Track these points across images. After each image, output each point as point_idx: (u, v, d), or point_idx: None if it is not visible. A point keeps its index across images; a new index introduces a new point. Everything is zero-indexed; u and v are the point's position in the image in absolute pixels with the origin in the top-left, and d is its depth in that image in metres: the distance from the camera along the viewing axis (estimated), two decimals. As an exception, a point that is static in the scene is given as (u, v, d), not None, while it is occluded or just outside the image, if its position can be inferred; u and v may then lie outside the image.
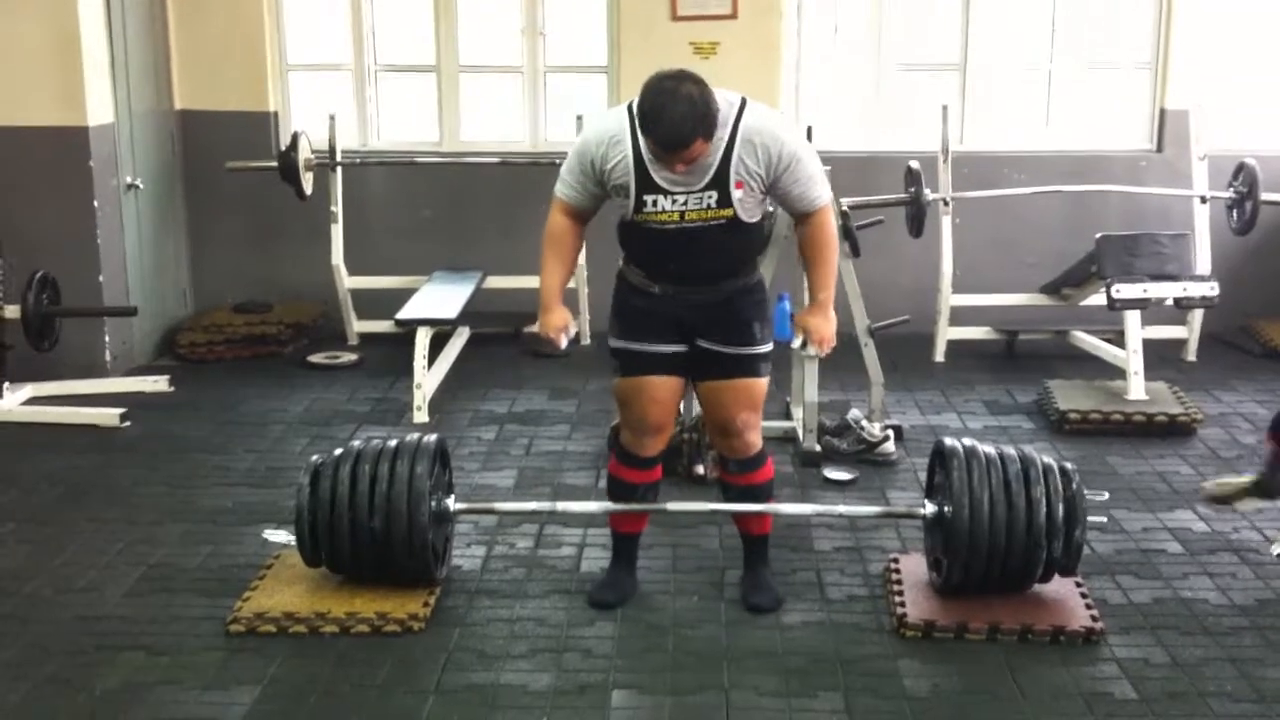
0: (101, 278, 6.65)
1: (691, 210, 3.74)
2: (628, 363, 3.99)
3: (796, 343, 3.98)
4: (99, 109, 6.62)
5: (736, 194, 3.71)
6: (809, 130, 5.73)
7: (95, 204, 6.60)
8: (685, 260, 3.85)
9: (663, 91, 3.53)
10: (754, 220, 3.83)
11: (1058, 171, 7.55)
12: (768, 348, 3.98)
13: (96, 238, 6.62)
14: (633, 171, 3.72)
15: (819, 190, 3.82)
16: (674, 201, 3.73)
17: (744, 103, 3.71)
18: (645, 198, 3.74)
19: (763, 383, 4.01)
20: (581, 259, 7.19)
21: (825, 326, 3.98)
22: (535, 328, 7.36)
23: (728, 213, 3.74)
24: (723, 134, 3.65)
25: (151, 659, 3.78)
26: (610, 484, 4.20)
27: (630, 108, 3.69)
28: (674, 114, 3.50)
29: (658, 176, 3.70)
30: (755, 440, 4.08)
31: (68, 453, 5.65)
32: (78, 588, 4.29)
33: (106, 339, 6.73)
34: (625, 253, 4.00)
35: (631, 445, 4.08)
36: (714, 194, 3.71)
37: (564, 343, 4.02)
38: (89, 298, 6.56)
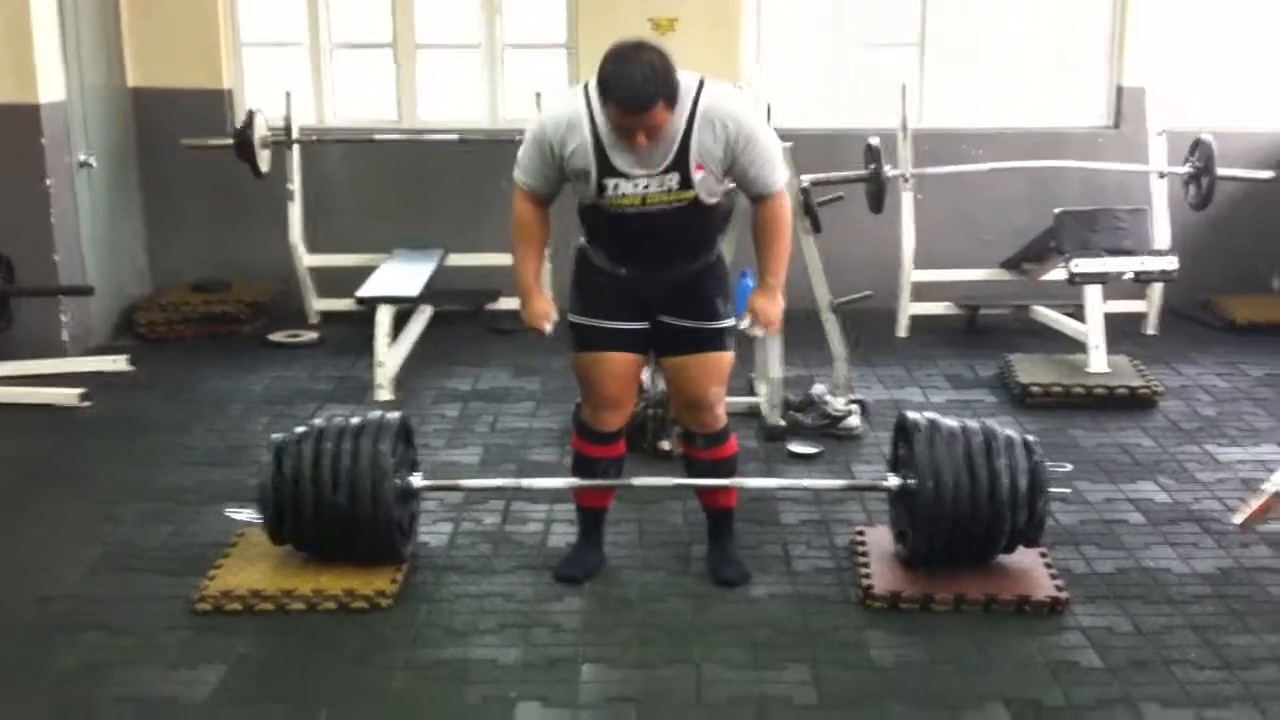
0: (56, 257, 6.56)
1: (653, 194, 3.72)
2: (586, 338, 3.97)
3: (744, 323, 3.97)
4: (50, 86, 6.51)
5: (697, 176, 3.69)
6: (768, 108, 5.72)
7: (48, 182, 6.50)
8: (647, 243, 3.83)
9: (623, 57, 3.51)
10: (714, 201, 3.81)
11: (1017, 148, 7.56)
12: (731, 322, 3.98)
13: (50, 216, 6.53)
14: (592, 155, 3.68)
15: (776, 174, 3.80)
16: (635, 185, 3.71)
17: (702, 83, 3.68)
18: (606, 181, 3.71)
19: (728, 356, 4.01)
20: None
21: (772, 309, 3.97)
22: (499, 306, 7.36)
23: (689, 194, 3.72)
24: (682, 112, 3.62)
25: (113, 639, 3.74)
26: (574, 460, 4.19)
27: (586, 89, 3.67)
28: (635, 76, 3.48)
29: (617, 160, 3.67)
30: (721, 414, 4.08)
31: (26, 433, 5.59)
32: (37, 567, 4.24)
33: (63, 319, 6.65)
34: (586, 235, 3.97)
35: (591, 420, 4.07)
36: (675, 176, 3.69)
37: (549, 329, 4.00)
38: (44, 277, 6.48)
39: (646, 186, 3.70)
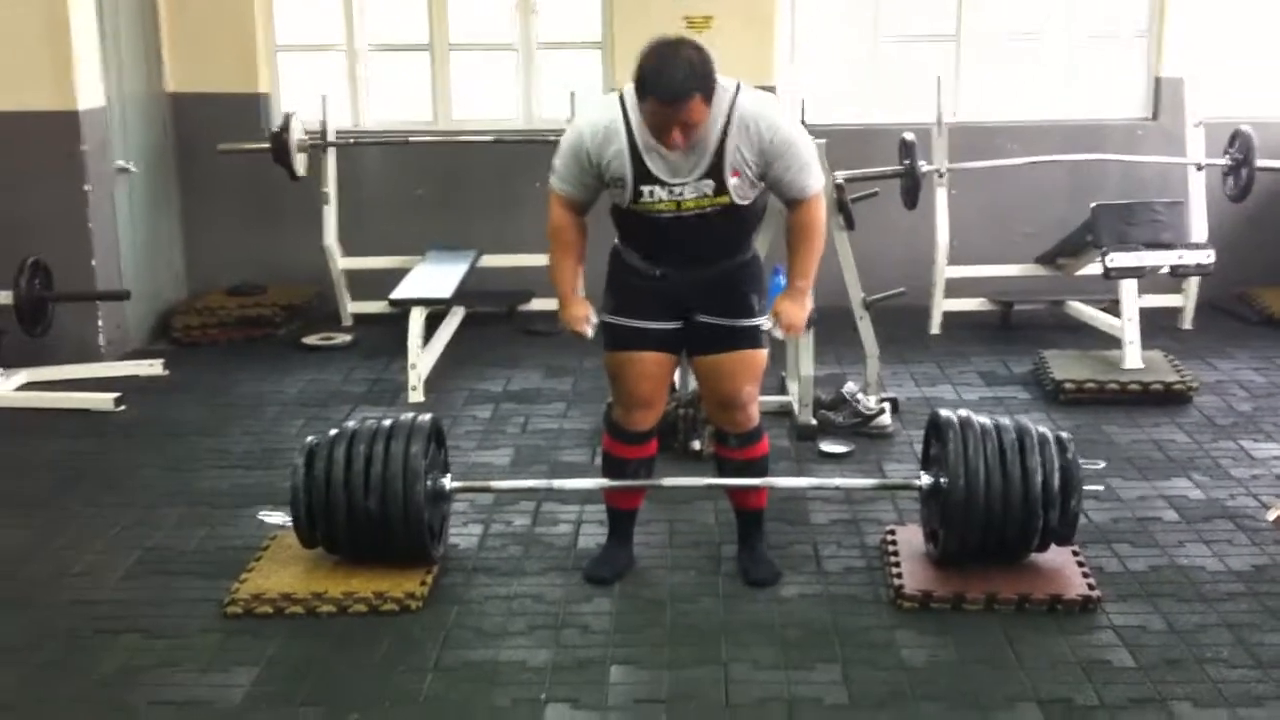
0: (94, 262, 6.63)
1: (688, 200, 3.72)
2: (618, 337, 3.97)
3: (767, 324, 3.95)
4: (90, 93, 6.59)
5: (732, 181, 3.69)
6: (802, 104, 5.71)
7: (87, 188, 6.57)
8: (682, 245, 3.83)
9: (662, 53, 3.53)
10: (748, 202, 3.80)
11: (1053, 141, 7.53)
12: (765, 320, 3.97)
13: (89, 222, 6.60)
14: (629, 162, 3.69)
15: (811, 178, 3.78)
16: (671, 192, 3.71)
17: (739, 88, 3.68)
18: (642, 189, 3.72)
19: (763, 354, 4.01)
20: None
21: (797, 313, 3.93)
22: (532, 307, 7.38)
23: (724, 199, 3.72)
24: (718, 117, 3.62)
25: (149, 641, 3.78)
26: (604, 460, 4.20)
27: (621, 96, 3.68)
28: (674, 69, 3.49)
29: (654, 167, 3.68)
30: (754, 413, 4.07)
31: (63, 437, 5.65)
32: (75, 572, 4.29)
33: (100, 323, 6.72)
34: (620, 236, 3.98)
35: (622, 420, 4.08)
36: (710, 183, 3.70)
37: (589, 332, 3.98)
38: (82, 282, 6.55)
39: (681, 193, 3.71)
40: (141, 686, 3.54)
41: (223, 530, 4.60)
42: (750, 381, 4.00)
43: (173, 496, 4.94)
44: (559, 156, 3.83)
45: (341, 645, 3.74)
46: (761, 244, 5.32)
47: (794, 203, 3.83)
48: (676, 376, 4.67)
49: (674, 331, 3.95)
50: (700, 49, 3.56)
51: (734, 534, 4.30)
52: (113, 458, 5.40)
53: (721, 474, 4.23)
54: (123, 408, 5.99)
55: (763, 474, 4.17)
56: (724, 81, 3.65)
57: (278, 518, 4.20)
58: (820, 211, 3.87)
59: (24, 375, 6.25)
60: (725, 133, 3.64)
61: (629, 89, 3.63)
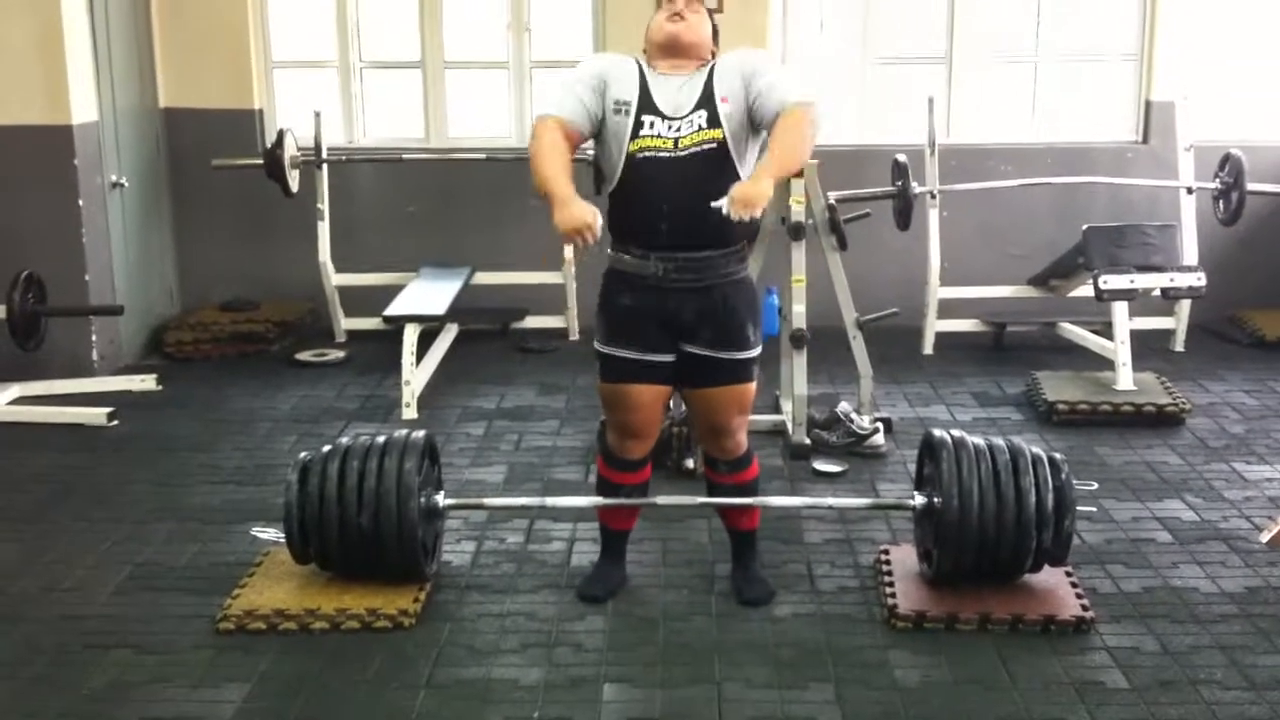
0: (87, 276, 6.62)
1: (685, 136, 3.76)
2: (612, 369, 3.96)
3: (720, 204, 3.65)
4: (83, 107, 6.58)
5: (723, 109, 3.76)
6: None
7: (80, 203, 6.56)
8: (678, 206, 3.75)
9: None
10: (742, 154, 3.80)
11: (1044, 163, 7.55)
12: (758, 351, 3.97)
13: (82, 236, 6.59)
14: (637, 89, 3.81)
15: (795, 89, 3.76)
16: (669, 126, 3.78)
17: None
18: (644, 118, 3.79)
19: (753, 387, 4.01)
20: (569, 254, 7.19)
21: (750, 191, 3.63)
22: (526, 324, 7.40)
23: (717, 133, 3.76)
24: (707, 57, 3.88)
25: (139, 657, 3.76)
26: (599, 484, 4.19)
27: (639, 59, 3.91)
28: None
29: (657, 98, 3.80)
30: (743, 440, 4.09)
31: (54, 452, 5.63)
32: (65, 587, 4.27)
33: (93, 338, 6.70)
34: (614, 224, 3.91)
35: (616, 448, 4.08)
36: (704, 113, 3.77)
37: (593, 240, 3.70)
38: (75, 297, 6.53)
39: (679, 129, 3.77)
40: (132, 702, 3.52)
41: (214, 546, 4.58)
42: (740, 413, 4.01)
43: (164, 512, 4.92)
44: (561, 85, 3.91)
45: (334, 662, 3.73)
46: (754, 264, 5.37)
47: (779, 108, 3.73)
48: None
49: (668, 364, 3.93)
50: None
51: (727, 553, 4.30)
52: (104, 473, 5.38)
53: (711, 497, 4.22)
54: (115, 423, 5.98)
55: (753, 496, 4.17)
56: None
57: (270, 534, 4.19)
58: (804, 118, 3.71)
59: (16, 389, 6.24)
60: (712, 70, 3.84)
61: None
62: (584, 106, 3.84)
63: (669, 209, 3.79)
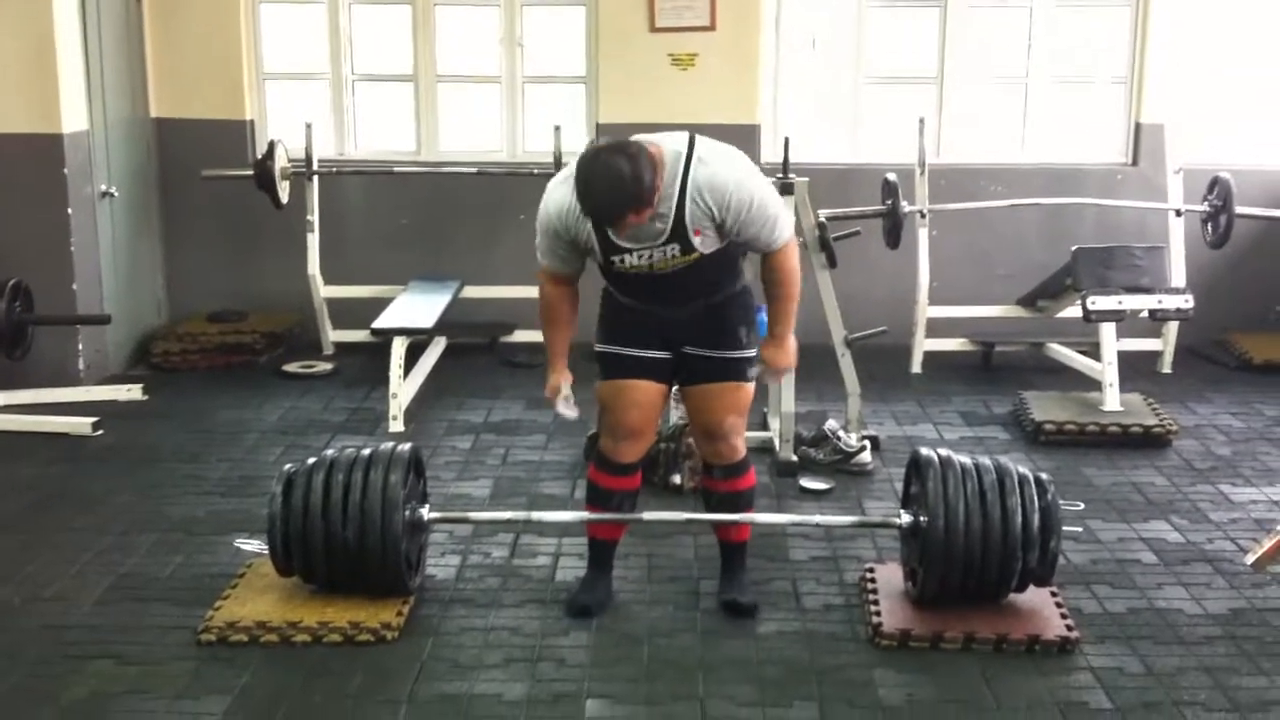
0: (75, 286, 6.60)
1: (659, 262, 3.76)
2: (611, 366, 4.00)
3: (754, 371, 4.02)
4: (73, 116, 6.58)
5: (696, 240, 3.72)
6: (786, 142, 5.73)
7: (69, 212, 6.55)
8: (665, 293, 3.88)
9: (592, 169, 3.53)
10: (724, 254, 3.82)
11: (1034, 184, 7.57)
12: (753, 352, 4.00)
13: (70, 246, 6.57)
14: (594, 237, 3.74)
15: (778, 231, 3.79)
16: (640, 256, 3.76)
17: (691, 151, 3.67)
18: (612, 258, 3.79)
19: (748, 387, 4.03)
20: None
21: (782, 358, 4.01)
22: (514, 339, 7.38)
23: (693, 256, 3.75)
24: (671, 190, 3.64)
25: (121, 668, 3.74)
26: (588, 489, 4.19)
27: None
28: (600, 191, 3.52)
29: (619, 240, 3.73)
30: (740, 446, 4.09)
31: (39, 461, 5.61)
32: (47, 596, 4.24)
33: (80, 347, 6.68)
34: (607, 283, 4.00)
35: (609, 451, 4.08)
36: (675, 246, 3.73)
37: (562, 408, 4.03)
38: (63, 306, 6.51)
39: (651, 256, 3.75)
40: (112, 713, 3.51)
41: (198, 557, 4.56)
42: (734, 413, 4.02)
43: (148, 522, 4.90)
44: (538, 234, 3.88)
45: (316, 675, 3.71)
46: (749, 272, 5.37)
47: (765, 254, 3.86)
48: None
49: (665, 361, 3.98)
50: (633, 159, 3.50)
51: (713, 569, 4.29)
52: (88, 482, 5.36)
53: (707, 505, 4.24)
54: (100, 432, 5.96)
55: (748, 506, 4.18)
56: (675, 146, 3.66)
57: (254, 546, 4.18)
58: (791, 260, 3.88)
59: (1, 398, 6.21)
60: (681, 202, 3.66)
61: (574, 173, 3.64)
62: (563, 259, 3.90)
63: (658, 300, 3.91)
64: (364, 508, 3.92)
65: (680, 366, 3.99)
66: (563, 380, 4.04)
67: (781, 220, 3.80)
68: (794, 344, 4.02)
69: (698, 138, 3.72)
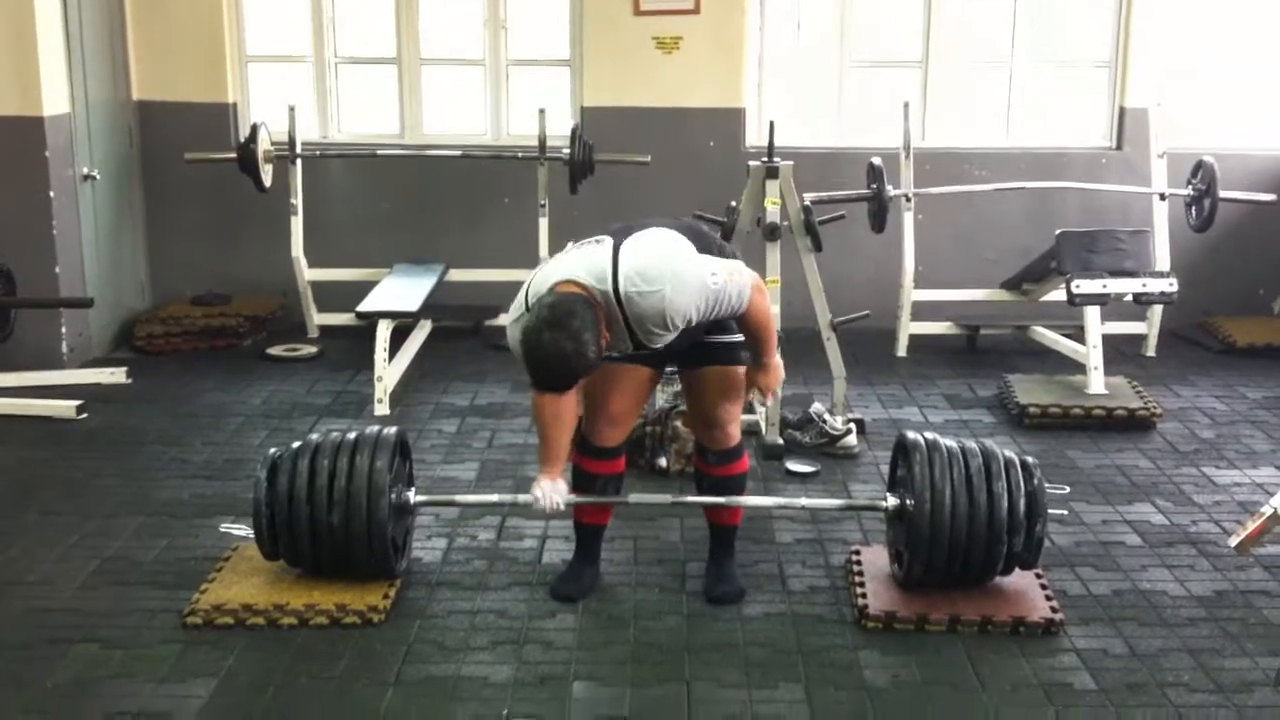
0: (58, 269, 6.57)
1: (638, 355, 3.83)
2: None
3: (747, 355, 4.03)
4: (54, 99, 6.54)
5: (664, 341, 3.73)
6: (771, 126, 5.71)
7: (51, 195, 6.52)
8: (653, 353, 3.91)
9: (537, 355, 3.50)
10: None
11: (1019, 168, 7.59)
12: (743, 337, 3.99)
13: (52, 229, 6.54)
14: None
15: (737, 300, 3.75)
16: (620, 356, 3.82)
17: (616, 284, 3.60)
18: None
19: (740, 371, 4.03)
20: (544, 252, 7.18)
21: (768, 379, 4.02)
22: (498, 322, 7.37)
23: (662, 346, 3.77)
24: (619, 325, 3.64)
25: (106, 652, 3.73)
26: (574, 475, 4.17)
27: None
28: (549, 371, 3.52)
29: None
30: (735, 432, 4.10)
31: (22, 444, 5.58)
32: (30, 580, 4.23)
33: (63, 330, 6.65)
34: None
35: (591, 435, 4.08)
36: (644, 353, 3.80)
37: (538, 503, 3.92)
38: (45, 289, 6.49)
39: (626, 350, 3.78)
40: (97, 697, 3.50)
41: (183, 541, 4.55)
42: (728, 398, 4.03)
43: (132, 506, 4.88)
44: (521, 364, 3.71)
45: (302, 658, 3.70)
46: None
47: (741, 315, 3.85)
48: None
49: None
50: (574, 333, 3.44)
51: (699, 552, 4.30)
52: (72, 466, 5.34)
53: (699, 488, 4.24)
54: (84, 416, 5.93)
55: (739, 491, 4.18)
56: (599, 279, 3.60)
57: (239, 529, 4.16)
58: (761, 308, 3.84)
59: (-17, 381, 6.19)
60: (632, 331, 3.67)
61: (531, 301, 3.63)
62: None
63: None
64: (350, 491, 3.92)
65: (673, 353, 3.97)
66: (554, 485, 3.93)
67: (733, 292, 3.72)
68: (780, 363, 4.05)
69: (621, 258, 3.62)
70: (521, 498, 4.14)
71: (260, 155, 7.07)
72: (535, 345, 3.49)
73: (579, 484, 4.14)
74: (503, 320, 7.38)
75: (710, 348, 3.96)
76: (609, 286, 3.61)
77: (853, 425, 5.61)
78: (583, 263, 3.66)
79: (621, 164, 7.14)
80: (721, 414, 4.03)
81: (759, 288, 3.82)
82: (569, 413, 3.93)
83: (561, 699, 3.51)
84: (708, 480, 4.18)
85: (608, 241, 3.71)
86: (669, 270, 3.63)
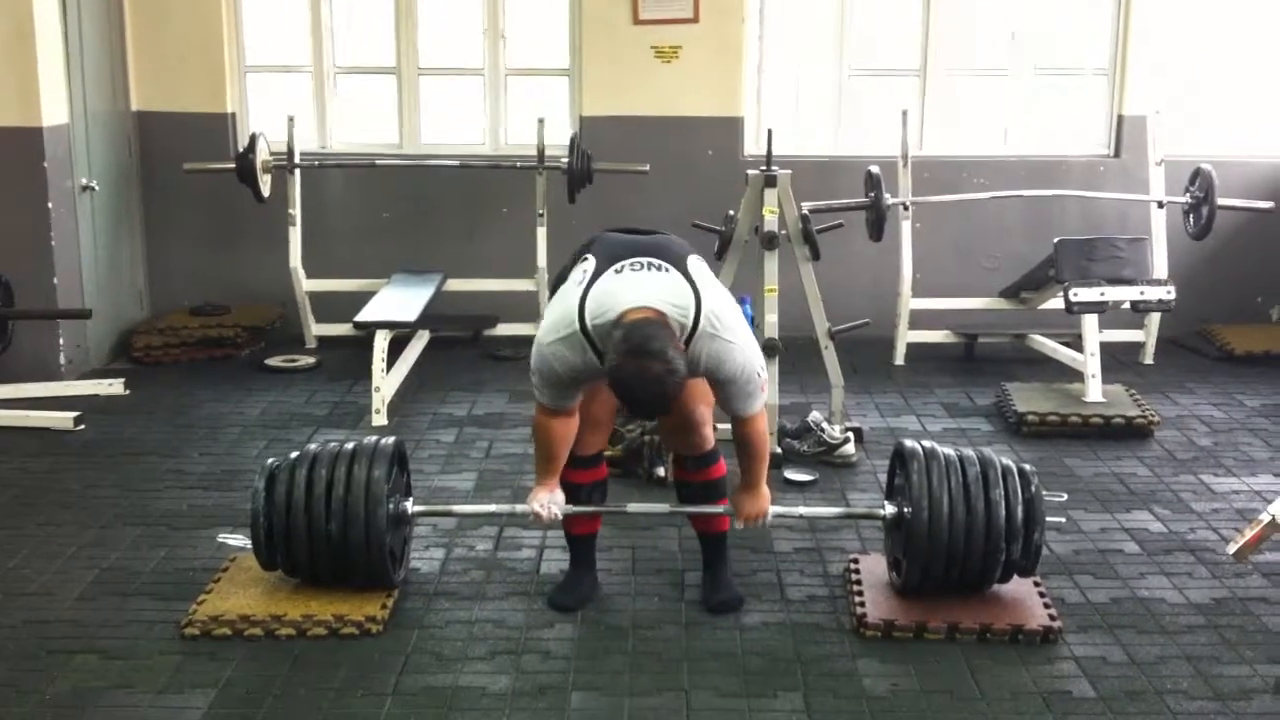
0: (56, 280, 6.57)
1: None
2: None
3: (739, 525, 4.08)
4: (53, 109, 6.54)
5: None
6: (769, 134, 5.72)
7: (49, 205, 6.52)
8: None
9: (631, 382, 3.48)
10: None
11: (1017, 176, 7.59)
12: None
13: (51, 240, 6.54)
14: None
15: (752, 402, 3.79)
16: None
17: (697, 316, 3.63)
18: None
19: None
20: (543, 262, 7.19)
21: (753, 507, 4.01)
22: (497, 332, 7.38)
23: None
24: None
25: (104, 663, 3.73)
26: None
27: (585, 336, 3.64)
28: (647, 398, 3.51)
29: None
30: (709, 436, 4.10)
31: (20, 456, 5.58)
32: (29, 591, 4.22)
33: (61, 342, 6.65)
34: None
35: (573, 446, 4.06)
36: None
37: (537, 513, 3.96)
38: (43, 300, 6.49)
39: None
40: (95, 708, 3.49)
41: (181, 551, 4.55)
42: (701, 402, 4.01)
43: (130, 517, 4.88)
44: (544, 383, 3.77)
45: (300, 668, 3.70)
46: (725, 275, 5.37)
47: (736, 417, 3.86)
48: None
49: None
50: (664, 359, 3.45)
51: (697, 561, 4.29)
52: (70, 477, 5.34)
53: (681, 498, 4.25)
54: (82, 427, 5.93)
55: (721, 495, 4.18)
56: (681, 301, 3.63)
57: (237, 540, 4.16)
58: (759, 429, 3.89)
59: (-19, 393, 6.19)
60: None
61: (589, 322, 3.62)
62: (571, 395, 3.83)
63: None
64: (347, 501, 3.91)
65: None
66: (556, 492, 3.99)
67: (756, 396, 3.78)
68: (767, 494, 4.03)
69: (704, 302, 3.65)
70: (519, 508, 4.13)
71: (259, 165, 7.08)
72: (625, 377, 3.48)
73: (566, 496, 4.13)
74: (500, 330, 7.48)
75: None
76: (690, 320, 3.63)
77: (850, 434, 5.61)
78: (657, 292, 3.63)
79: (620, 173, 7.15)
80: (696, 416, 4.01)
81: (765, 413, 3.91)
82: (574, 432, 3.93)
83: (560, 709, 3.50)
84: (691, 487, 4.19)
85: (674, 272, 3.69)
86: (744, 332, 3.78)
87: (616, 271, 3.70)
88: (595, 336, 3.62)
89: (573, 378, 3.73)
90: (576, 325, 3.65)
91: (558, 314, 3.73)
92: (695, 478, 4.15)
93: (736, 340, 3.71)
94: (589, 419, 4.02)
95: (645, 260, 3.72)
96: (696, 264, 3.81)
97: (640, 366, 3.44)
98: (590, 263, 3.77)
